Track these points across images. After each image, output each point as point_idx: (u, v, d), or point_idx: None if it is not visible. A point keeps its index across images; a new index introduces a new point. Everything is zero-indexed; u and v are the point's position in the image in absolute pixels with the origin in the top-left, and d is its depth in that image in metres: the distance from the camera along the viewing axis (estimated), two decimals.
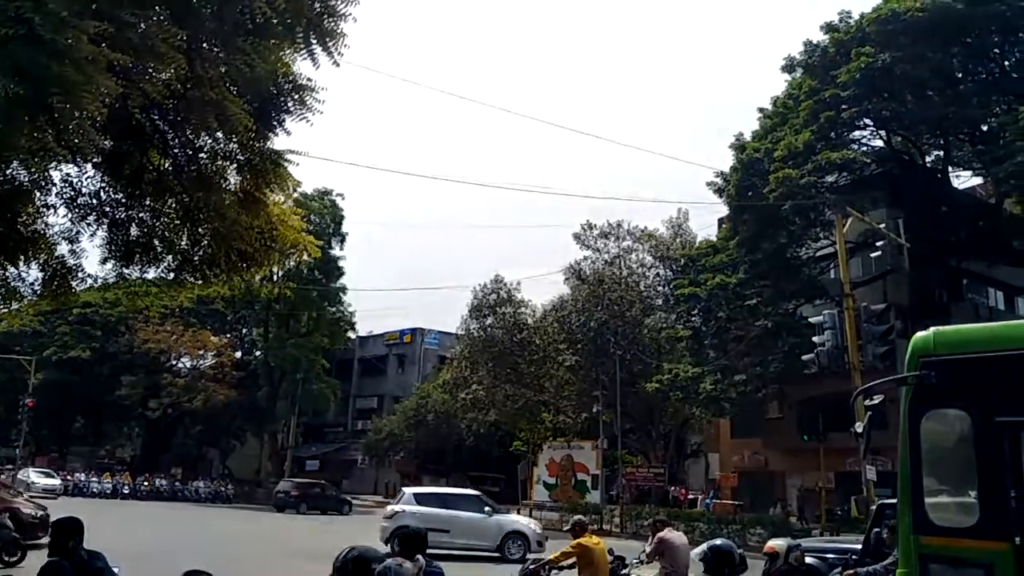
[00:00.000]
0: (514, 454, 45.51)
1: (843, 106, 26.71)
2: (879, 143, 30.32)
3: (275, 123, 6.80)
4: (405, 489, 23.13)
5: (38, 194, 7.01)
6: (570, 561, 8.93)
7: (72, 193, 7.16)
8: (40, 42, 4.73)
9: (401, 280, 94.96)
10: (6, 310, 9.04)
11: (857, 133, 29.54)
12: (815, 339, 19.15)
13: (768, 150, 28.45)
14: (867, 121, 28.62)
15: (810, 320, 22.41)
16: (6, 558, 14.51)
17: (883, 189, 28.13)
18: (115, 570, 5.38)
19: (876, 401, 5.89)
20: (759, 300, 28.74)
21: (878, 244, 21.79)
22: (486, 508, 19.99)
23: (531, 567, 9.27)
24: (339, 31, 6.64)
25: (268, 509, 39.36)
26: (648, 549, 10.06)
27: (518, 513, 26.37)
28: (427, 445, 50.48)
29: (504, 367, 39.03)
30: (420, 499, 20.88)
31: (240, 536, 24.15)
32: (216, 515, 34.22)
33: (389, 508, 20.93)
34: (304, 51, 6.72)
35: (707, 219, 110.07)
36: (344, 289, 52.65)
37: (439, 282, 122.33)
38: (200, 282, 8.37)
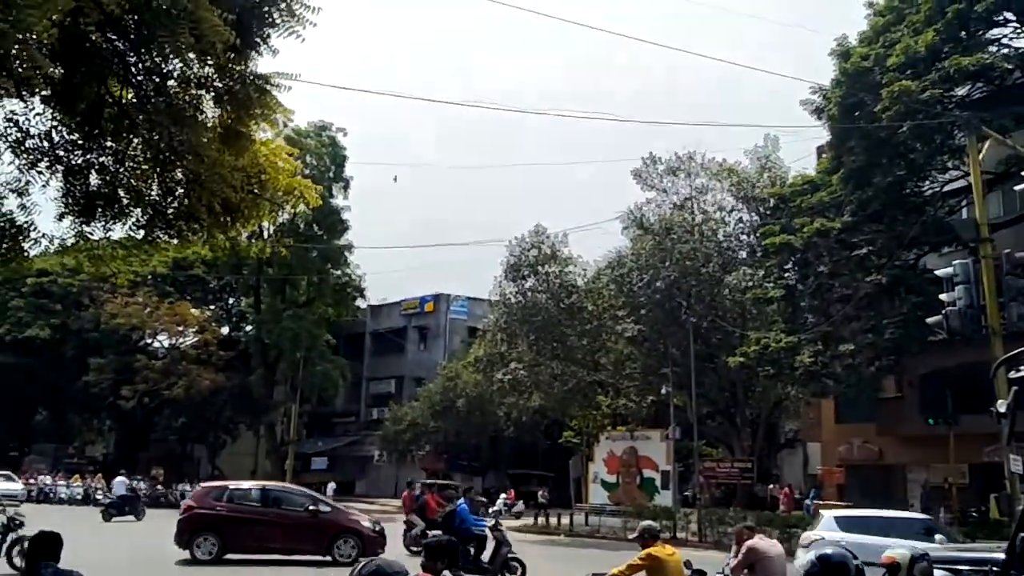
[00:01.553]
0: (564, 447, 45.94)
1: None
2: None
3: (258, 39, 6.78)
4: (824, 512, 22.47)
5: None
6: None
7: (19, 135, 7.22)
8: None
9: (420, 235, 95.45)
10: None
11: (996, 31, 28.67)
12: (943, 297, 18.88)
13: (880, 56, 27.91)
14: (1008, 15, 27.76)
15: (936, 273, 22.01)
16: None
17: None
18: None
19: (1023, 373, 5.79)
20: (870, 249, 28.43)
21: None
22: (938, 537, 17.95)
23: None
24: None
25: None
26: (733, 561, 10.09)
27: None
28: (457, 437, 51.26)
29: (549, 340, 39.12)
30: (844, 524, 19.88)
31: None
32: None
33: (805, 535, 20.07)
34: None
35: (803, 147, 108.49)
36: (350, 247, 53.21)
37: (466, 236, 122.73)
38: (175, 240, 8.45)
